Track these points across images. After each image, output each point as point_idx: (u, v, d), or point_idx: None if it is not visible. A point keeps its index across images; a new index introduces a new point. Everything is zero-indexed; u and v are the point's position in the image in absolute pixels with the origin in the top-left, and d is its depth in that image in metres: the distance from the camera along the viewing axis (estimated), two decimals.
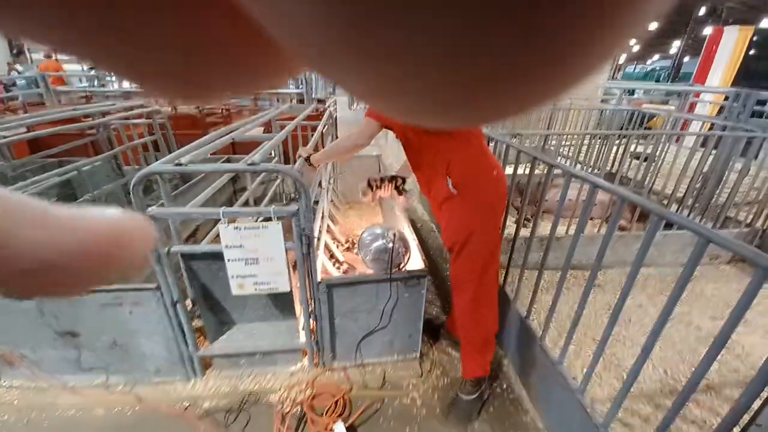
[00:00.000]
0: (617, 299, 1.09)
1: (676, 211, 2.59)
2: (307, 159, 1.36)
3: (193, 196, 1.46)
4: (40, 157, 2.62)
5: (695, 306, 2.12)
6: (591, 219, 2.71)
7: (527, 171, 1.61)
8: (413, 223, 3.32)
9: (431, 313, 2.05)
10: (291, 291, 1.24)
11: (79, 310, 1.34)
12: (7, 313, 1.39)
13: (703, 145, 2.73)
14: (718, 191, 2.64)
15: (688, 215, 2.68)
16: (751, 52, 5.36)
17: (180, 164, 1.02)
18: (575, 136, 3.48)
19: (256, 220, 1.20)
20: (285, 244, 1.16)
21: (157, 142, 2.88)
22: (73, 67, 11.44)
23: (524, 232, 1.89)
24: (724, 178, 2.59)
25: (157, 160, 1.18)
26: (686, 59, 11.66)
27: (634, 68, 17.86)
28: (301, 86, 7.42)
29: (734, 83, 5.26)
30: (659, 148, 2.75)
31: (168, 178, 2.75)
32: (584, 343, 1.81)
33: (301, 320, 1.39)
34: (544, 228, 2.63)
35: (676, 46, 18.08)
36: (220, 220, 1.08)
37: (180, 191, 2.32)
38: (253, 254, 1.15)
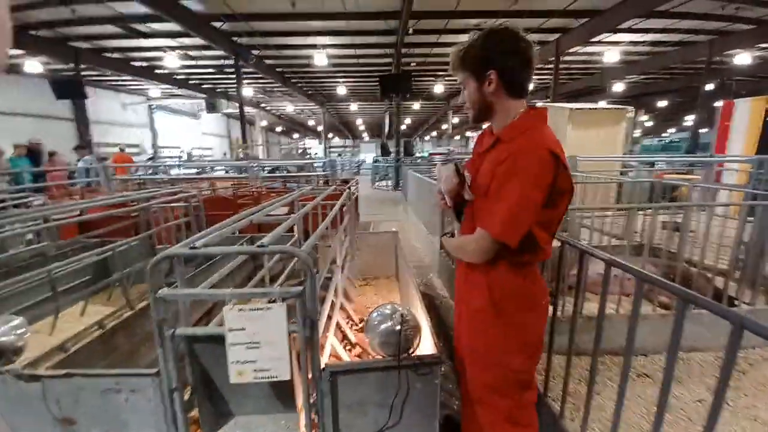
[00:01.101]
0: (660, 392, 0.93)
1: (725, 285, 2.34)
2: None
3: (215, 276, 1.50)
4: (85, 238, 2.87)
5: (760, 398, 1.78)
6: (627, 296, 2.48)
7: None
8: (432, 300, 3.18)
9: (452, 407, 1.82)
10: (292, 379, 1.16)
11: (81, 395, 1.30)
12: (13, 395, 1.37)
13: (737, 214, 2.58)
14: (762, 262, 2.40)
15: (737, 290, 2.41)
16: None
17: (194, 247, 1.08)
18: (597, 210, 3.41)
19: (270, 301, 1.19)
20: (288, 327, 1.13)
21: (190, 223, 3.10)
22: (139, 158, 13.17)
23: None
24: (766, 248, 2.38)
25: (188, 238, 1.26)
26: (703, 130, 11.79)
27: (651, 141, 18.15)
28: (327, 170, 8.09)
29: (758, 151, 5.17)
30: (689, 219, 2.62)
31: (188, 259, 2.89)
32: None
33: (303, 413, 1.27)
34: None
35: (688, 119, 18.51)
36: (227, 300, 1.09)
37: (200, 271, 2.40)
38: (255, 338, 1.12)
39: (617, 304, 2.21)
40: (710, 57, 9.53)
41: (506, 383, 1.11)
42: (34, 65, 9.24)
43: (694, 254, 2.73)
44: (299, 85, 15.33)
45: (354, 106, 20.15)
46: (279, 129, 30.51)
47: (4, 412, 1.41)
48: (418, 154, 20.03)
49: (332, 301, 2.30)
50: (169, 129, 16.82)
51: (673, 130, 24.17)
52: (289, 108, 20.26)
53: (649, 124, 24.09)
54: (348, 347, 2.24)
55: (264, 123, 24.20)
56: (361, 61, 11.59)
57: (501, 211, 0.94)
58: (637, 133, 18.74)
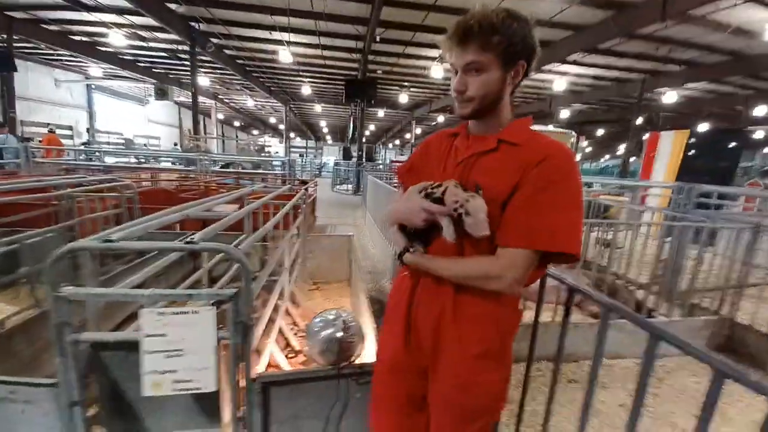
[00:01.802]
0: (583, 399, 0.97)
1: (644, 298, 2.59)
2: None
3: (137, 276, 1.34)
4: None
5: (678, 404, 1.97)
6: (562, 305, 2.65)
7: None
8: (383, 306, 3.16)
9: None
10: (218, 392, 1.06)
11: None
12: None
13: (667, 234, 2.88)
14: (678, 278, 2.70)
15: (656, 302, 2.68)
16: (691, 152, 6.14)
17: (109, 240, 0.95)
18: None
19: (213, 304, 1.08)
20: (219, 333, 1.03)
21: (120, 215, 2.79)
22: (68, 142, 11.80)
23: None
24: (682, 264, 2.68)
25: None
26: (632, 159, 13.23)
27: (590, 165, 19.99)
28: (286, 169, 7.82)
29: (678, 178, 5.89)
30: (616, 236, 2.88)
31: (117, 256, 2.60)
32: None
33: (230, 429, 1.16)
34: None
35: (621, 147, 20.69)
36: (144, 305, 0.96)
37: (123, 270, 2.16)
38: (178, 345, 1.00)
39: (554, 312, 2.34)
40: (642, 93, 10.73)
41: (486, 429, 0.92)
42: None
43: (620, 268, 2.99)
44: (261, 80, 14.79)
45: (318, 108, 19.85)
46: (237, 123, 29.15)
47: None
48: (379, 161, 20.26)
49: (276, 304, 2.19)
50: (110, 113, 15.29)
51: (608, 156, 26.84)
52: (250, 103, 19.44)
53: (589, 149, 26.52)
54: (291, 355, 2.13)
55: (221, 116, 23.00)
56: (328, 63, 11.48)
57: (563, 222, 0.73)
58: (578, 157, 20.54)
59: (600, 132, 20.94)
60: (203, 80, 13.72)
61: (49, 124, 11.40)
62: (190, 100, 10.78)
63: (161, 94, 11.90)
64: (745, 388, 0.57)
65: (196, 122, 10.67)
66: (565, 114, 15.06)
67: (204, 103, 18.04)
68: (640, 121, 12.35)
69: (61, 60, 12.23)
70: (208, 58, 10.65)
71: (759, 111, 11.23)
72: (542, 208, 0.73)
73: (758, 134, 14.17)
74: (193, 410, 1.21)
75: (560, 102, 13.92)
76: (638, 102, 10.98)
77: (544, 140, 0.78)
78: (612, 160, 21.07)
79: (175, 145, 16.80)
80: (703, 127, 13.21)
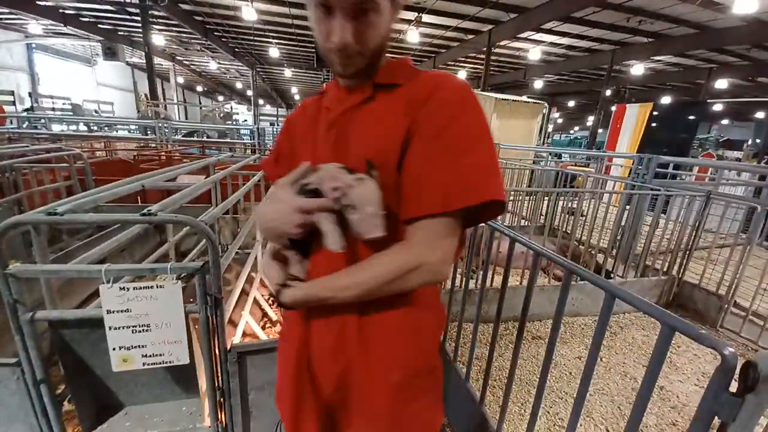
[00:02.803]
0: (545, 352, 1.05)
1: (603, 261, 2.77)
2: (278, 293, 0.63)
3: (93, 251, 1.26)
4: None
5: (629, 356, 2.18)
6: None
7: None
8: None
9: None
10: (193, 363, 1.05)
11: None
12: None
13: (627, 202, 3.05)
14: (634, 242, 2.90)
15: (614, 264, 2.89)
16: (653, 124, 6.42)
17: (55, 213, 0.87)
18: (512, 193, 3.74)
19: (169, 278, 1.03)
20: (186, 307, 1.00)
21: (72, 188, 2.59)
22: (10, 108, 10.60)
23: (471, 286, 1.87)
24: (638, 230, 2.87)
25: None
26: (600, 130, 13.71)
27: (560, 136, 20.56)
28: (255, 138, 7.46)
29: (639, 149, 6.18)
30: (584, 204, 3.03)
31: (73, 232, 2.44)
32: (529, 403, 1.73)
33: (207, 399, 1.17)
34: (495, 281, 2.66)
35: (590, 119, 21.33)
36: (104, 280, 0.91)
37: (80, 246, 2.04)
38: (144, 320, 0.97)
39: (521, 276, 2.47)
40: (611, 65, 10.93)
41: None
42: None
43: (584, 235, 3.17)
44: (224, 40, 13.68)
45: (288, 73, 18.79)
46: (200, 89, 27.20)
47: None
48: None
49: (251, 276, 2.16)
50: (55, 75, 13.73)
51: (578, 128, 27.66)
52: (212, 65, 18.07)
53: (560, 120, 27.15)
54: (268, 325, 2.14)
55: (181, 80, 21.30)
56: (296, 22, 10.75)
57: (474, 164, 0.55)
58: (550, 128, 21.03)
59: (571, 104, 21.38)
60: (158, 39, 12.50)
61: None
62: (144, 62, 9.86)
63: (110, 54, 10.79)
64: (692, 341, 0.63)
65: (152, 86, 9.83)
66: (538, 85, 15.18)
67: (161, 65, 16.55)
68: (608, 93, 12.66)
69: None
70: (162, 14, 9.66)
71: (720, 84, 11.79)
72: (445, 154, 0.55)
73: (717, 107, 14.96)
74: (168, 382, 1.20)
75: (534, 72, 13.95)
76: (608, 74, 11.20)
77: (428, 74, 0.61)
78: (581, 131, 21.77)
79: (139, 112, 15.54)
80: (666, 99, 13.77)
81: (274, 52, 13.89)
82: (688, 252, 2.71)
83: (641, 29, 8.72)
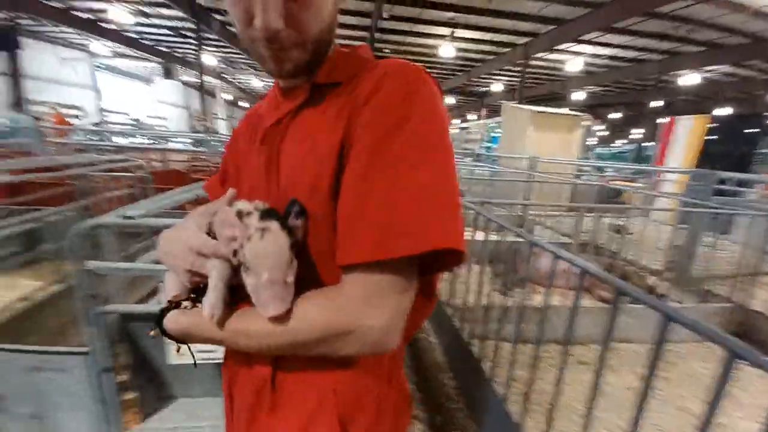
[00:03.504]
0: (593, 380, 0.99)
1: (655, 284, 2.59)
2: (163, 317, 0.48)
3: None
4: (6, 204, 2.53)
5: (686, 388, 2.00)
6: (572, 290, 2.67)
7: (499, 238, 1.61)
8: None
9: None
10: None
11: (7, 371, 1.17)
12: None
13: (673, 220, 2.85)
14: (690, 264, 2.68)
15: (667, 288, 2.68)
16: (709, 137, 5.98)
17: (129, 217, 0.97)
18: (551, 207, 3.61)
19: None
20: None
21: (134, 195, 2.84)
22: (82, 122, 11.87)
23: (502, 302, 1.82)
24: (695, 251, 2.66)
25: None
26: (647, 144, 12.94)
27: (603, 149, 19.61)
28: None
29: (698, 165, 5.76)
30: (629, 222, 2.86)
31: (131, 233, 2.66)
32: None
33: None
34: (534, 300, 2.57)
35: (637, 132, 20.19)
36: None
37: (140, 249, 2.23)
38: None
39: (564, 296, 2.35)
40: (659, 75, 10.37)
41: None
42: None
43: (631, 254, 2.98)
44: None
45: None
46: (244, 104, 28.93)
47: None
48: None
49: None
50: (117, 92, 15.23)
51: (622, 141, 26.27)
52: (255, 82, 19.22)
53: (603, 133, 25.94)
54: None
55: (227, 96, 22.80)
56: (338, 42, 11.22)
57: (422, 190, 0.39)
58: (592, 141, 20.15)
59: (614, 115, 20.41)
60: (209, 59, 13.54)
61: (56, 103, 11.43)
62: (196, 80, 10.70)
63: (167, 73, 11.82)
64: (758, 374, 0.58)
65: (203, 102, 10.61)
66: (578, 96, 14.66)
67: (209, 82, 17.86)
68: (656, 104, 11.97)
69: (64, 36, 12.12)
70: (213, 36, 10.48)
71: None
72: (381, 178, 0.39)
73: None
74: (219, 378, 1.26)
75: (574, 84, 13.52)
76: (655, 84, 10.63)
77: (379, 64, 0.45)
78: (627, 145, 20.65)
79: (194, 127, 16.78)
80: (721, 111, 12.80)
81: None
82: (754, 277, 2.46)
83: (691, 38, 8.24)
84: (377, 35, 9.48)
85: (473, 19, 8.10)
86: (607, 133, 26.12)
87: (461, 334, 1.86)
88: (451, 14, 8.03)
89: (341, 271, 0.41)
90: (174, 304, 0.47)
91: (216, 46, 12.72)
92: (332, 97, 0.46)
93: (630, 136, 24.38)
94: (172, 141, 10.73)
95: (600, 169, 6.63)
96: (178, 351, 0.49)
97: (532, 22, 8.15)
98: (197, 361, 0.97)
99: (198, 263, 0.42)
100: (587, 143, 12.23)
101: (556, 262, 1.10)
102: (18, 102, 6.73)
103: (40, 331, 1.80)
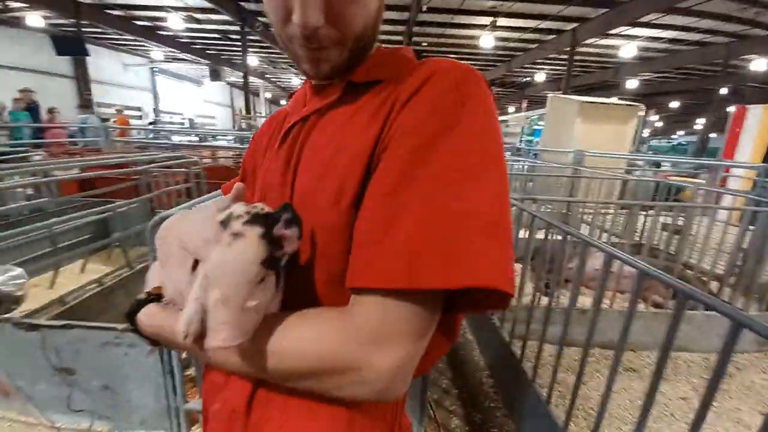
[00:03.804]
0: (648, 389, 0.95)
1: (719, 290, 2.37)
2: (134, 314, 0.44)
3: None
4: (82, 197, 2.86)
5: (745, 401, 1.83)
6: (621, 293, 2.52)
7: (544, 236, 1.56)
8: None
9: (440, 386, 1.87)
10: None
11: (81, 346, 1.33)
12: (11, 343, 1.40)
13: (739, 220, 2.58)
14: (758, 269, 2.42)
15: (731, 294, 2.45)
16: None
17: None
18: (599, 205, 3.40)
19: None
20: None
21: (190, 189, 3.08)
22: (136, 122, 13.01)
23: (544, 302, 1.77)
24: (766, 255, 2.40)
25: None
26: (713, 135, 11.70)
27: (659, 141, 18.00)
28: None
29: (766, 159, 5.14)
30: (691, 221, 2.62)
31: None
32: None
33: None
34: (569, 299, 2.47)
35: (699, 122, 18.31)
36: None
37: None
38: None
39: (611, 300, 2.24)
40: (727, 60, 9.32)
41: None
42: (35, 19, 8.92)
43: (691, 257, 2.74)
44: None
45: None
46: (284, 102, 29.98)
47: (1, 361, 1.44)
48: None
49: None
50: (171, 94, 16.45)
51: (682, 132, 23.94)
52: (295, 81, 19.83)
53: (659, 124, 23.83)
54: None
55: (268, 95, 23.75)
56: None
57: (462, 213, 0.32)
58: (646, 132, 18.55)
59: (673, 104, 18.66)
60: (252, 60, 14.16)
61: (119, 105, 12.60)
62: (240, 80, 11.24)
63: (215, 74, 12.52)
64: None
65: (247, 101, 11.14)
66: (632, 84, 13.57)
67: (253, 82, 18.70)
68: (724, 92, 10.78)
69: (128, 45, 13.25)
70: (256, 38, 10.94)
71: None
72: (420, 191, 0.33)
73: None
74: None
75: (627, 71, 12.51)
76: (723, 70, 9.57)
77: (427, 62, 0.40)
78: (686, 137, 18.80)
79: (234, 126, 17.83)
80: None
81: None
82: None
83: (759, 21, 7.30)
84: (415, 29, 9.38)
85: (516, 6, 7.76)
86: (661, 124, 23.97)
87: (501, 333, 1.83)
88: (492, 2, 7.75)
89: (351, 294, 0.34)
90: (153, 297, 0.42)
91: (259, 47, 13.26)
92: (369, 96, 0.41)
93: (690, 127, 22.19)
94: (219, 138, 11.41)
95: (657, 163, 6.11)
96: (151, 351, 0.46)
97: (582, 6, 7.65)
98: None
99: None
100: (642, 136, 11.30)
101: (610, 263, 1.05)
102: (88, 104, 7.46)
103: (111, 311, 2.03)
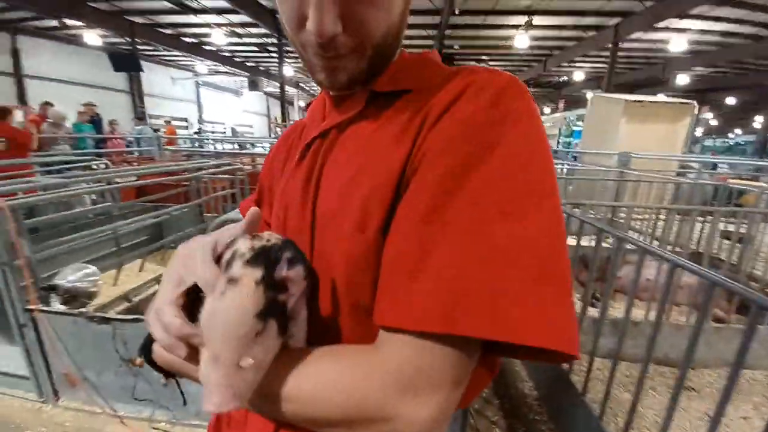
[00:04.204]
0: (715, 409, 0.88)
1: None
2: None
3: None
4: (141, 202, 3.11)
5: None
6: (676, 305, 2.34)
7: (592, 243, 1.49)
8: None
9: (481, 396, 1.83)
10: None
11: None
12: (83, 336, 1.54)
13: None
14: None
15: None
16: None
17: None
18: (647, 210, 3.19)
19: None
20: None
21: (235, 194, 3.26)
22: (182, 132, 13.94)
23: (592, 313, 1.69)
24: None
25: (232, 210, 1.34)
26: None
27: (714, 142, 16.57)
28: None
29: None
30: (755, 228, 2.39)
31: None
32: None
33: None
34: (617, 310, 2.33)
35: (758, 120, 16.68)
36: None
37: None
38: None
39: (668, 312, 2.09)
40: None
41: None
42: (93, 37, 9.82)
43: (756, 268, 2.51)
44: None
45: None
46: None
47: (72, 351, 1.59)
48: None
49: None
50: (213, 105, 17.51)
51: (739, 131, 21.91)
52: None
53: (714, 122, 21.99)
54: None
55: (302, 103, 24.53)
56: (404, 43, 11.32)
57: (508, 250, 0.27)
58: (699, 131, 17.16)
59: (729, 101, 17.15)
60: (287, 70, 14.73)
61: (168, 116, 13.58)
62: (276, 90, 11.71)
63: (253, 85, 13.15)
64: None
65: (283, 110, 11.58)
66: (683, 80, 12.63)
67: (288, 91, 19.45)
68: None
69: (175, 60, 14.25)
70: (292, 49, 11.33)
71: None
72: (465, 217, 0.29)
73: None
74: None
75: (677, 66, 11.67)
76: None
77: (463, 70, 0.36)
78: (745, 136, 17.17)
79: (271, 134, 18.70)
80: None
81: None
82: None
83: None
84: (447, 32, 9.33)
85: (554, 3, 7.51)
86: (715, 122, 22.09)
87: None
88: (528, 1, 7.55)
89: (380, 330, 0.31)
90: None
91: (294, 58, 13.77)
92: (396, 108, 0.37)
93: (748, 125, 20.26)
94: (256, 146, 11.95)
95: (713, 165, 5.63)
96: (165, 385, 0.42)
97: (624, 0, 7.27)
98: None
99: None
100: (695, 135, 10.51)
101: (673, 273, 0.98)
102: (142, 116, 8.12)
103: None
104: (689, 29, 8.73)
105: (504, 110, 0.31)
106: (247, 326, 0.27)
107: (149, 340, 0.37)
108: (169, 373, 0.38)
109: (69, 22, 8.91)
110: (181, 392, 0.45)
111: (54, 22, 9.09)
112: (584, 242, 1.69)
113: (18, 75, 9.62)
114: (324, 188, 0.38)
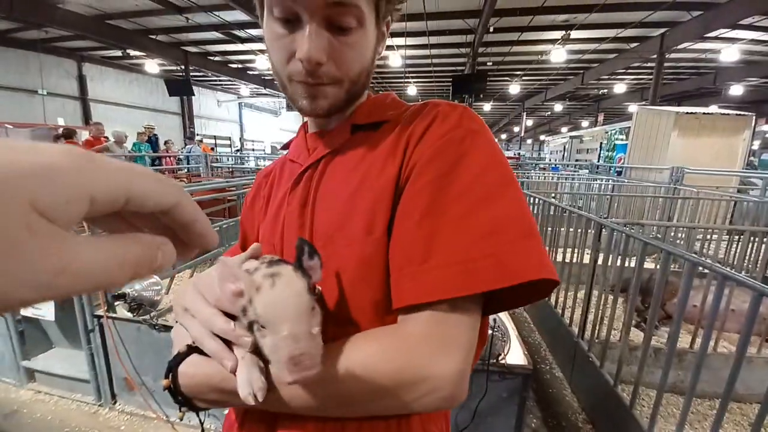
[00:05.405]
0: None
1: None
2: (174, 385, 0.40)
3: None
4: None
5: None
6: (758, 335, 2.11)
7: (647, 265, 1.39)
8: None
9: (530, 425, 1.73)
10: None
11: None
12: (143, 342, 1.63)
13: None
14: None
15: None
16: None
17: None
18: (705, 231, 2.94)
19: None
20: None
21: None
22: (223, 150, 14.85)
23: (653, 343, 1.56)
24: None
25: None
26: None
27: None
28: None
29: None
30: None
31: None
32: None
33: None
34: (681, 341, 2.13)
35: None
36: None
37: None
38: None
39: (715, 341, 1.89)
40: None
41: None
42: (152, 66, 10.84)
43: None
44: (370, 84, 15.79)
45: None
46: None
47: (134, 355, 1.69)
48: None
49: None
50: (254, 125, 18.61)
51: None
52: None
53: None
54: None
55: None
56: (435, 61, 11.51)
57: (505, 217, 0.37)
58: (756, 144, 15.77)
59: None
60: None
61: (216, 135, 14.55)
62: None
63: (289, 106, 13.83)
64: None
65: None
66: (736, 91, 11.79)
67: None
68: None
69: (222, 84, 15.36)
70: None
71: None
72: (459, 206, 0.36)
73: None
74: None
75: (729, 76, 10.94)
76: None
77: (429, 104, 0.45)
78: None
79: None
80: None
81: (411, 90, 15.16)
82: None
83: None
84: (480, 50, 9.38)
85: (593, 17, 7.35)
86: None
87: (603, 374, 1.64)
88: (565, 16, 7.46)
89: (399, 315, 0.37)
90: (194, 349, 0.39)
91: None
92: (381, 134, 0.45)
93: None
94: None
95: None
96: (181, 418, 0.43)
97: (672, 9, 6.98)
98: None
99: (225, 329, 0.35)
100: (752, 149, 9.69)
101: (760, 301, 0.90)
102: (192, 137, 8.76)
103: None
104: (740, 38, 8.20)
105: (466, 128, 0.41)
106: (306, 302, 0.32)
107: (178, 360, 0.39)
108: (186, 402, 0.40)
109: (132, 52, 9.92)
110: (200, 421, 0.48)
111: (118, 52, 10.15)
112: (631, 262, 1.58)
113: (84, 98, 10.80)
114: (320, 209, 0.44)
